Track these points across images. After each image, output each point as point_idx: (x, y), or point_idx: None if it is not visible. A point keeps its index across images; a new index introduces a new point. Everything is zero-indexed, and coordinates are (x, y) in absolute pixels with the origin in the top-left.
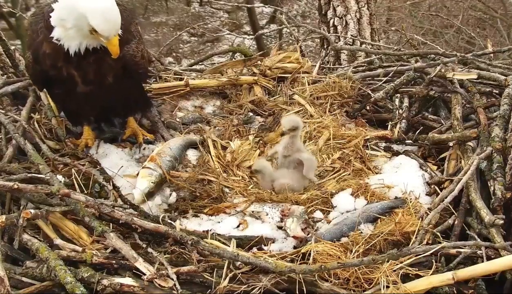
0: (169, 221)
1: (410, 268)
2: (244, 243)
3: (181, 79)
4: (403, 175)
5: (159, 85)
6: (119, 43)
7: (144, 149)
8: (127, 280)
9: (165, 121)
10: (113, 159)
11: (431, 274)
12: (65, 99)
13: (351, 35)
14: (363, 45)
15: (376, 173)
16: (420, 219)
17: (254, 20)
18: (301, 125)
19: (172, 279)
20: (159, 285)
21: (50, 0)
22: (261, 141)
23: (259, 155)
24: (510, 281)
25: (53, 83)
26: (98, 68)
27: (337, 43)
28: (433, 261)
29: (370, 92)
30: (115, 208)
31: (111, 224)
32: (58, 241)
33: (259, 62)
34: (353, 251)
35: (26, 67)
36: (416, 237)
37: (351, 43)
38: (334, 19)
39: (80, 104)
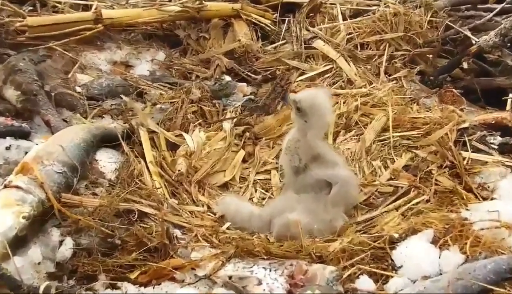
0: None
1: None
2: None
3: (86, 9)
4: None
5: (41, 19)
6: None
7: (8, 148)
8: None
9: (53, 91)
10: None
11: None
12: None
13: None
14: None
15: (484, 199)
16: None
17: None
18: (324, 106)
19: None
20: None
21: None
22: (247, 133)
23: (243, 161)
24: None
25: None
26: None
27: None
28: None
29: (469, 34)
30: None
31: None
32: None
33: None
34: None
35: None
36: None
37: None
38: None
39: None
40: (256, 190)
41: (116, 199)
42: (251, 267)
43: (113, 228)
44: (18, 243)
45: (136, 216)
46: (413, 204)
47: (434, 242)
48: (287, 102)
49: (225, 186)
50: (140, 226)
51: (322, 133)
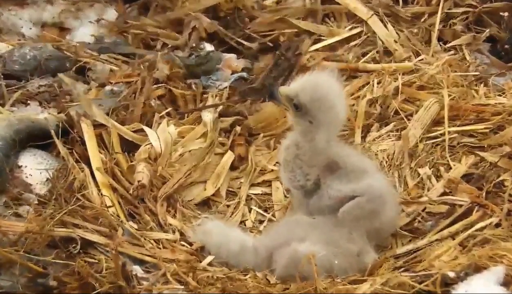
0: None
1: None
2: None
3: None
4: None
5: None
6: None
7: None
8: None
9: None
10: None
11: None
12: None
13: None
14: None
15: None
16: None
17: None
18: (334, 95)
19: None
20: None
21: None
22: (238, 127)
23: (231, 168)
24: None
25: None
26: None
27: None
28: None
29: None
30: None
31: None
32: None
33: None
34: None
35: None
36: None
37: None
38: None
39: None
40: (250, 210)
41: (50, 222)
42: None
43: (46, 264)
44: None
45: (78, 246)
46: (476, 230)
47: (506, 283)
48: (277, 100)
49: (205, 204)
50: (85, 261)
51: (336, 133)
